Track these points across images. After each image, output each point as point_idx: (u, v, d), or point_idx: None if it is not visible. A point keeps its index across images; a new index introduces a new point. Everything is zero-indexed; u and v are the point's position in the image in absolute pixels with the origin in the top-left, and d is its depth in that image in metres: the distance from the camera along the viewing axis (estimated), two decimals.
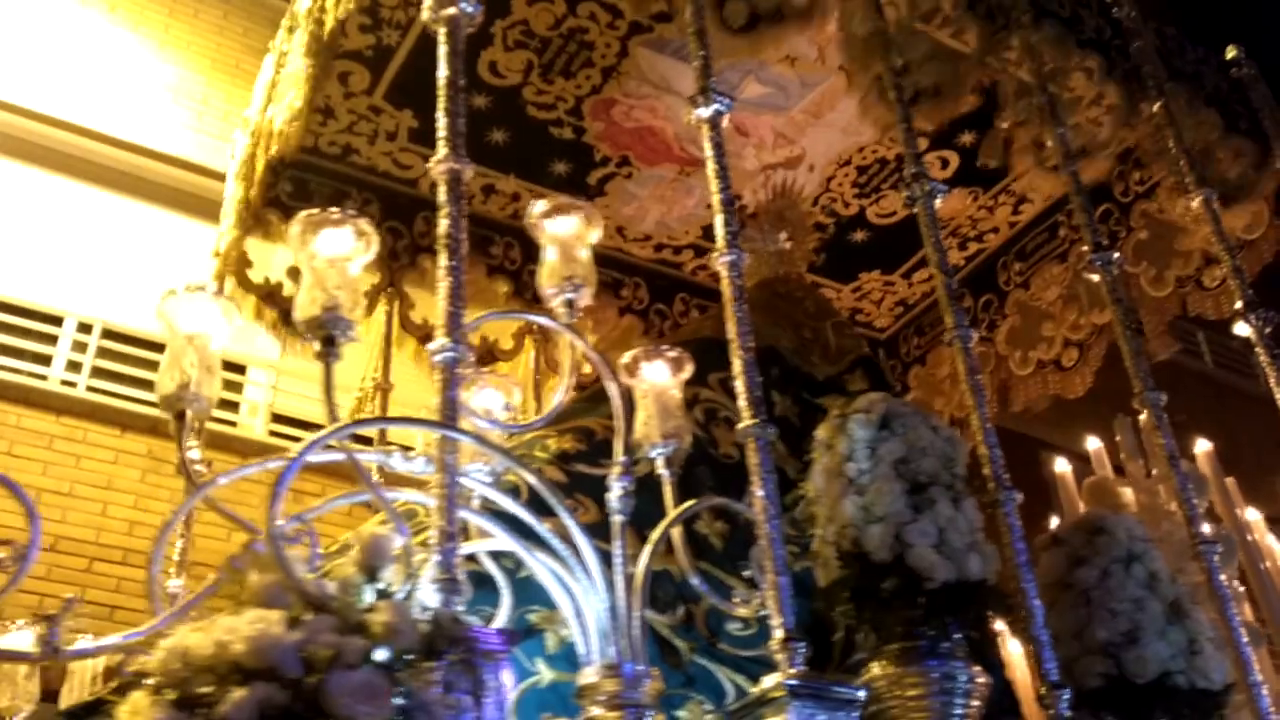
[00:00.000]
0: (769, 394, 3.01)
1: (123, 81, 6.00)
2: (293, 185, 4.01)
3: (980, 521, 2.01)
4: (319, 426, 5.89)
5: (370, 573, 1.46)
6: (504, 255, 4.50)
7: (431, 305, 4.55)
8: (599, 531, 1.93)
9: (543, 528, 1.77)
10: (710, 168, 2.31)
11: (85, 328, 5.63)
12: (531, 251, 4.48)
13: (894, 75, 2.85)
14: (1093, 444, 3.29)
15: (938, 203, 2.71)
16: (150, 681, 1.37)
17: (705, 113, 2.36)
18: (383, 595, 1.45)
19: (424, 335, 4.35)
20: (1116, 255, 2.90)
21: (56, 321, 5.60)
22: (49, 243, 5.70)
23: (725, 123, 2.41)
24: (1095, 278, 2.94)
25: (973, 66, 3.39)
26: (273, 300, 3.95)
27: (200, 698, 1.28)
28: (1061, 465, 3.34)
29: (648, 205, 4.50)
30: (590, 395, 2.90)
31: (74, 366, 5.52)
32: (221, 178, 6.16)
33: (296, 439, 5.89)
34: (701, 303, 4.86)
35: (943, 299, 2.53)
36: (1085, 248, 3.00)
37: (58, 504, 5.13)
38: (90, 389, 5.49)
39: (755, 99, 4.01)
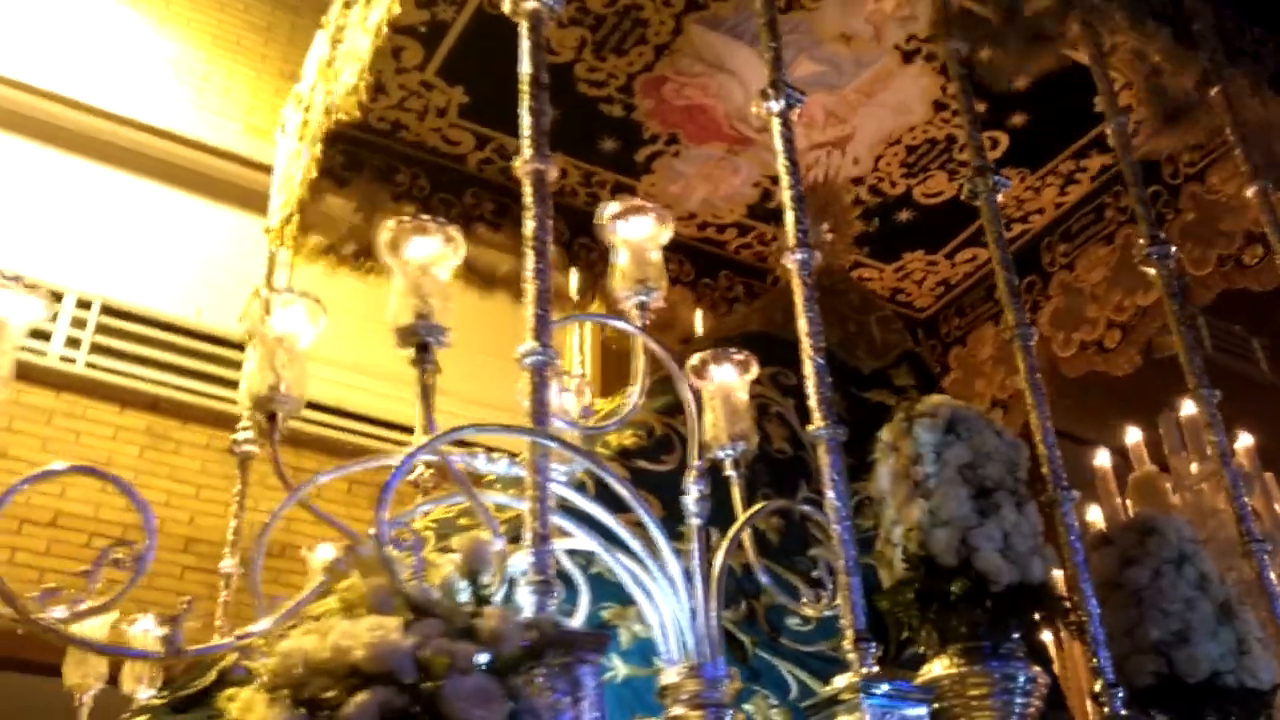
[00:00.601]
0: None
1: (123, 57, 6.00)
2: (344, 158, 4.05)
3: (1041, 525, 2.06)
4: (318, 406, 5.92)
5: (471, 577, 1.52)
6: (553, 228, 4.53)
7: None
8: (664, 528, 1.98)
9: (622, 529, 1.83)
10: (781, 163, 2.33)
11: (84, 304, 5.64)
12: (574, 226, 4.59)
13: (959, 64, 2.86)
14: (1132, 436, 3.32)
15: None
16: (264, 680, 1.44)
17: (777, 106, 2.37)
18: (480, 598, 1.52)
19: None
20: (1174, 249, 2.91)
21: (56, 297, 5.50)
22: (48, 218, 5.70)
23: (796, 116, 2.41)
24: (1151, 271, 2.96)
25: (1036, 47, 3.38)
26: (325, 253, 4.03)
27: (321, 700, 1.35)
28: (1103, 459, 3.37)
29: (694, 184, 4.51)
30: (645, 389, 2.94)
31: (73, 343, 5.53)
32: (221, 154, 6.24)
33: (295, 417, 5.97)
34: (745, 280, 4.89)
35: (1004, 295, 2.56)
36: (1141, 239, 3.00)
37: (56, 480, 5.06)
38: (89, 365, 5.51)
39: (808, 77, 3.99)
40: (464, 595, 1.53)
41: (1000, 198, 4.60)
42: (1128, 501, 3.35)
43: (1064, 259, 4.89)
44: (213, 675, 1.84)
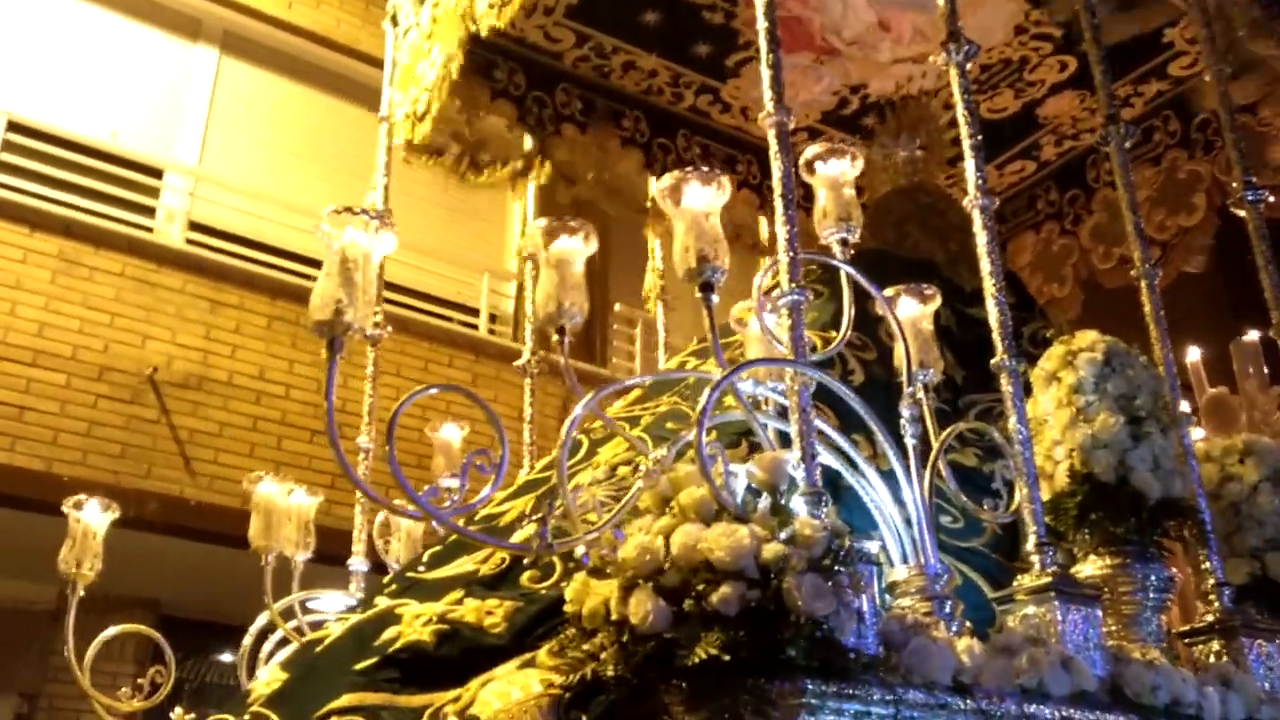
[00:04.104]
0: None
1: None
2: None
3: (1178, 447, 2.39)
4: (238, 238, 6.12)
5: (771, 490, 1.81)
6: (634, 128, 4.71)
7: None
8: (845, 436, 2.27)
9: (848, 444, 2.13)
10: (959, 112, 2.54)
11: None
12: (658, 125, 4.77)
13: (1090, 13, 3.06)
14: (1192, 355, 3.66)
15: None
16: (611, 570, 1.73)
17: (957, 56, 2.56)
18: (778, 508, 1.81)
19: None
20: (1267, 194, 3.19)
21: None
22: None
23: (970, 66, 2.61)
24: (1242, 213, 3.24)
25: None
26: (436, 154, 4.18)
27: (672, 589, 1.64)
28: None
29: None
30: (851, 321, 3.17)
31: None
32: None
33: (215, 249, 5.98)
34: (808, 185, 5.11)
35: (1131, 236, 2.83)
36: (1235, 182, 3.27)
37: None
38: None
39: None
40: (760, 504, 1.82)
41: (1056, 111, 4.92)
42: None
43: (1108, 176, 5.14)
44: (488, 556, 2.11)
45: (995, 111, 4.87)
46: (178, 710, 2.50)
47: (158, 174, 6.14)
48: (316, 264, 6.59)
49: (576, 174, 4.43)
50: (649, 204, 4.81)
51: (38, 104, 5.80)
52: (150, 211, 6.04)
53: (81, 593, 2.71)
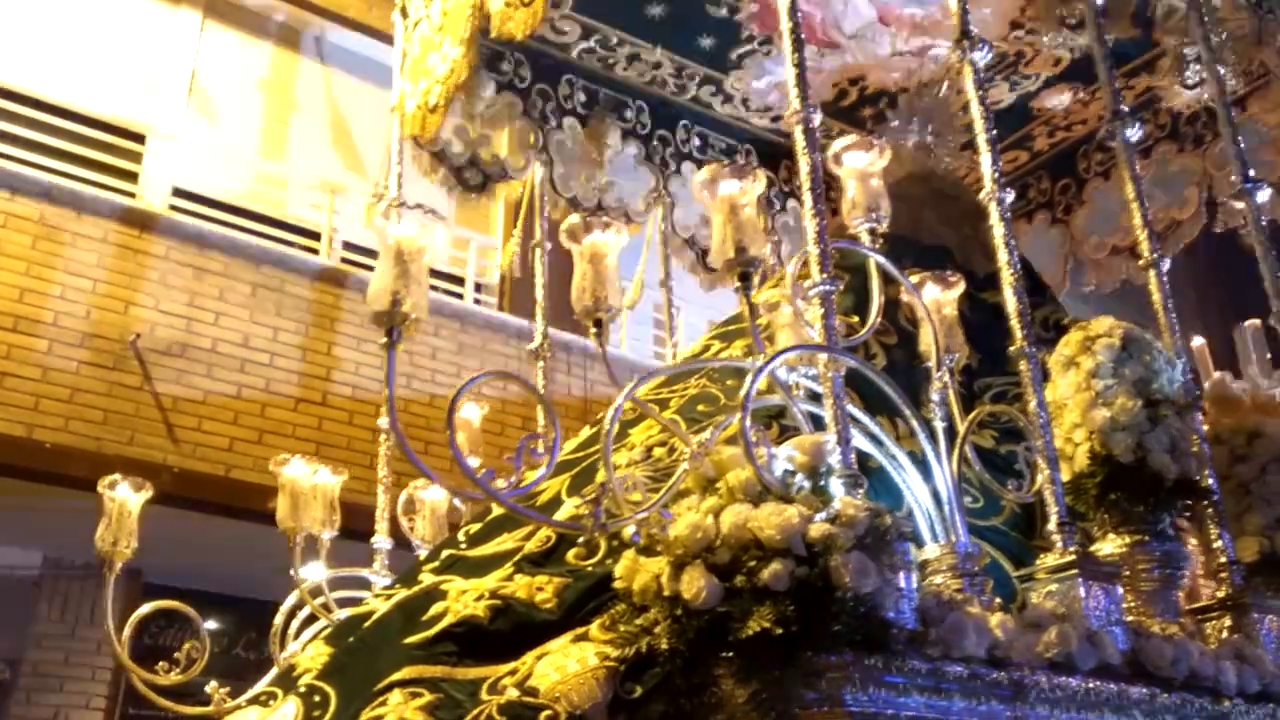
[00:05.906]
0: None
1: None
2: None
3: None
4: (221, 205, 6.14)
5: (812, 472, 1.86)
6: (636, 120, 4.75)
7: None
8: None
9: (875, 426, 2.19)
10: (974, 109, 2.61)
11: None
12: (659, 117, 4.81)
13: (1096, 14, 3.13)
14: (1195, 341, 3.74)
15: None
16: (662, 548, 1.79)
17: (974, 56, 2.63)
18: (818, 489, 1.87)
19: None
20: (1268, 190, 3.27)
21: None
22: None
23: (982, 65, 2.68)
24: (1239, 205, 3.33)
25: None
26: (441, 159, 4.21)
27: (733, 567, 1.69)
28: None
29: (777, 80, 4.73)
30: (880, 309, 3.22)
31: None
32: None
33: (198, 215, 5.98)
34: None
35: (1138, 226, 2.90)
36: (1234, 175, 3.36)
37: None
38: None
39: None
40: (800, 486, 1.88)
41: (1049, 107, 5.00)
42: None
43: (1099, 167, 5.25)
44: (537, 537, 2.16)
45: (990, 104, 4.94)
46: (213, 684, 2.54)
47: (140, 139, 6.11)
48: (301, 231, 6.55)
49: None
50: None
51: (19, 68, 5.75)
52: (133, 177, 6.01)
53: (118, 569, 2.74)
